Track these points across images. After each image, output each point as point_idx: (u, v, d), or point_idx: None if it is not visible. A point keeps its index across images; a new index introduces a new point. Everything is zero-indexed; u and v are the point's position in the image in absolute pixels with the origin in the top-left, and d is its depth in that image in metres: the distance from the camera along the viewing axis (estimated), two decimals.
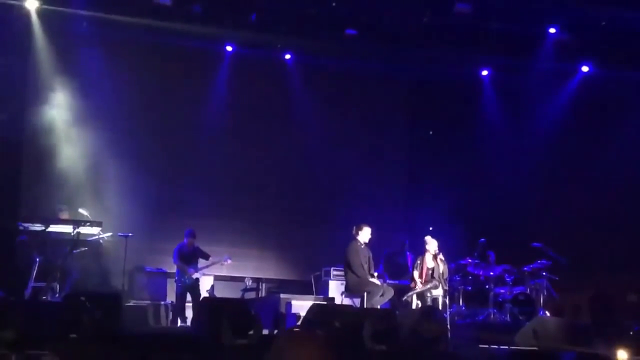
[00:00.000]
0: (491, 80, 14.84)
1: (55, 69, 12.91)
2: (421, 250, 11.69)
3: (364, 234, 11.40)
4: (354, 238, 11.41)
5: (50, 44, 12.88)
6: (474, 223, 13.26)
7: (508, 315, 12.08)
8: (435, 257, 11.43)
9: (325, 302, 11.57)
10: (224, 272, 13.46)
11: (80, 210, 11.52)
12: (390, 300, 11.34)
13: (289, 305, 11.34)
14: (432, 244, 11.51)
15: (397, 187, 15.70)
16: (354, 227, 11.49)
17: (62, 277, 10.70)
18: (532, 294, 12.31)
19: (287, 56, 14.74)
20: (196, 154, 14.17)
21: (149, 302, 12.14)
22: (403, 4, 12.70)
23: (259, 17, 13.15)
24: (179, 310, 12.30)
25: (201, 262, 12.65)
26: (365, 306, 10.80)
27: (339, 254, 11.76)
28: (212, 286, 13.05)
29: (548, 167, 13.64)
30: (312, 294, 12.90)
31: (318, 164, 14.70)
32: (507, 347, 9.14)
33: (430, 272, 11.44)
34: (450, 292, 11.95)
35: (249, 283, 13.66)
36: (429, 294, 11.30)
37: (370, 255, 11.47)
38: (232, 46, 14.31)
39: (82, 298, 8.02)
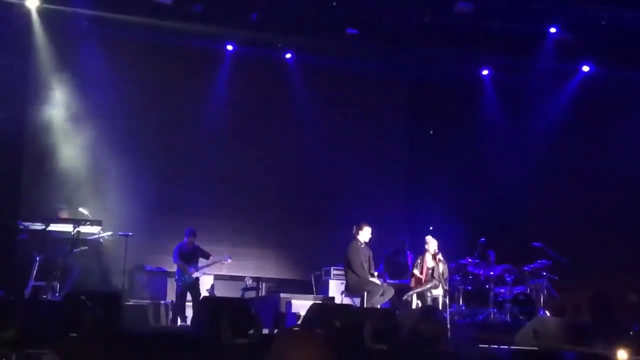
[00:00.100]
0: (492, 80, 14.85)
1: (56, 68, 12.93)
2: (421, 250, 11.70)
3: (364, 234, 11.40)
4: (354, 237, 11.41)
5: (51, 43, 12.89)
6: (474, 222, 13.25)
7: (508, 315, 12.07)
8: (434, 256, 11.44)
9: (326, 302, 11.57)
10: (224, 272, 13.46)
11: (81, 210, 11.52)
12: (391, 299, 11.34)
13: (289, 304, 11.35)
14: (432, 244, 11.53)
15: (398, 186, 15.70)
16: (354, 227, 11.49)
17: (63, 276, 10.69)
18: (532, 294, 12.30)
19: (288, 55, 14.75)
20: (196, 153, 14.17)
21: (149, 301, 12.13)
22: (404, 3, 12.70)
23: (260, 16, 13.15)
24: (179, 309, 12.30)
25: (201, 262, 12.65)
26: (365, 306, 10.80)
27: (339, 253, 11.76)
28: (212, 285, 13.05)
29: (548, 166, 13.63)
30: (312, 294, 12.91)
31: (319, 163, 14.70)
32: (507, 347, 9.14)
33: (430, 271, 11.45)
34: (450, 292, 11.95)
35: (249, 282, 13.66)
36: (429, 294, 11.31)
37: (371, 254, 11.47)
38: (232, 45, 14.32)
39: (83, 297, 8.00)
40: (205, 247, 12.76)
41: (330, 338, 3.07)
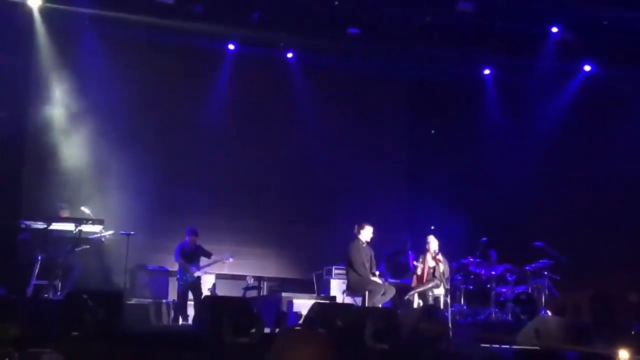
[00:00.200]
0: (493, 80, 14.84)
1: (57, 67, 12.92)
2: (423, 250, 11.70)
3: (366, 233, 11.41)
4: (355, 237, 11.41)
5: (52, 42, 12.90)
6: (475, 222, 13.25)
7: (510, 315, 12.07)
8: (434, 256, 11.46)
9: (327, 301, 11.58)
10: (225, 271, 13.47)
11: (82, 208, 11.53)
12: (392, 299, 11.34)
13: (290, 303, 11.35)
14: (433, 244, 11.54)
15: (398, 186, 15.70)
16: (356, 226, 11.49)
17: (64, 275, 10.70)
18: (533, 294, 12.30)
19: (289, 55, 14.75)
20: (198, 152, 14.18)
21: (150, 300, 12.13)
22: (405, 3, 12.69)
23: (261, 15, 13.15)
24: (181, 308, 12.29)
25: (203, 261, 12.66)
26: (366, 305, 10.80)
27: (341, 252, 11.77)
28: (214, 284, 13.06)
29: (550, 166, 13.62)
30: (314, 293, 12.93)
31: (320, 162, 14.70)
32: (508, 346, 9.14)
33: (431, 271, 11.45)
34: (451, 291, 11.94)
35: (250, 281, 13.67)
36: (430, 293, 11.32)
37: (372, 254, 11.48)
38: (234, 45, 14.32)
39: (84, 296, 8.01)
40: (207, 246, 12.76)
41: (331, 337, 3.07)
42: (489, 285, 12.53)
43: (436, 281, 11.33)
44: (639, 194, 12.53)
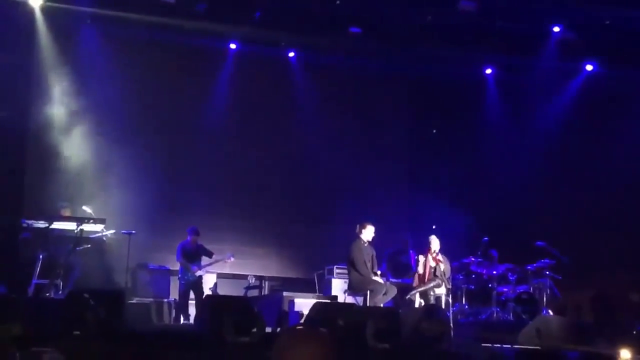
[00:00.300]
0: (495, 79, 14.83)
1: (59, 66, 12.92)
2: (424, 249, 11.70)
3: (368, 232, 11.41)
4: (357, 236, 11.41)
5: (54, 41, 12.89)
6: (476, 221, 13.25)
7: (511, 314, 12.07)
8: (434, 257, 11.46)
9: (328, 300, 11.57)
10: (227, 270, 13.46)
11: (84, 208, 11.54)
12: (393, 298, 11.34)
13: (291, 303, 11.34)
14: (434, 243, 11.54)
15: (399, 185, 15.70)
16: (358, 226, 11.49)
17: (65, 274, 10.70)
18: (535, 293, 12.29)
19: (291, 54, 14.75)
20: (199, 151, 14.17)
21: (152, 299, 12.13)
22: (407, 2, 12.68)
23: (263, 15, 13.14)
24: (182, 307, 12.30)
25: (204, 260, 12.66)
26: (368, 304, 10.80)
27: (342, 252, 11.76)
28: (215, 284, 13.05)
29: (551, 166, 13.62)
30: (315, 292, 12.92)
31: (321, 161, 14.69)
32: (510, 346, 9.13)
33: (433, 270, 11.45)
34: (453, 291, 11.94)
35: (252, 281, 13.67)
36: (432, 293, 11.32)
37: (374, 253, 11.48)
38: (235, 44, 14.32)
39: (86, 295, 8.02)
40: (208, 246, 12.76)
41: (332, 337, 3.07)
42: (490, 285, 12.52)
43: (437, 281, 11.33)
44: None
